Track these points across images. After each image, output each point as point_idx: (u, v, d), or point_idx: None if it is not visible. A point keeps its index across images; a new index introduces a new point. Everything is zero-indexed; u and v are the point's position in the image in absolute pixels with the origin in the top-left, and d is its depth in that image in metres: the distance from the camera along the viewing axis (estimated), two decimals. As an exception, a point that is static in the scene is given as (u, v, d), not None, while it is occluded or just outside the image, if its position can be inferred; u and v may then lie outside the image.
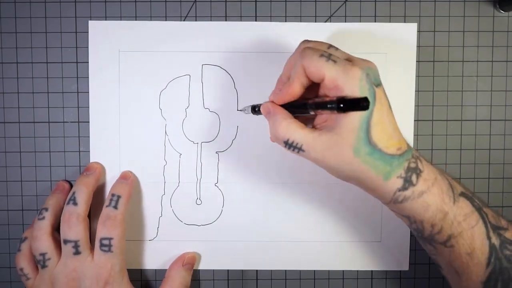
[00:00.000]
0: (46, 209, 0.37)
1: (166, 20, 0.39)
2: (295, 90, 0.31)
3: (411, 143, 0.40)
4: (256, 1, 0.40)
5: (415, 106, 0.40)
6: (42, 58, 0.40)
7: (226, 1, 0.40)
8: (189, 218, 0.40)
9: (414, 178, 0.30)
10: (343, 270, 0.41)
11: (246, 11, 0.40)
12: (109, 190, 0.38)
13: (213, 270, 0.41)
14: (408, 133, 0.40)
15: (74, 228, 0.35)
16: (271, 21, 0.40)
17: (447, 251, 0.31)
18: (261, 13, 0.40)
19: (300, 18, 0.39)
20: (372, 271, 0.41)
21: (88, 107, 0.39)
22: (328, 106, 0.27)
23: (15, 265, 0.37)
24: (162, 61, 0.39)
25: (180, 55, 0.39)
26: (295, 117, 0.31)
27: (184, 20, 0.40)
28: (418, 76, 0.40)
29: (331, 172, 0.31)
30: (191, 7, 0.40)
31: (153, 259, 0.40)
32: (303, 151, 0.30)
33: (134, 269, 0.40)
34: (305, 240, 0.40)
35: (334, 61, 0.29)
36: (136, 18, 0.39)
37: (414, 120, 0.40)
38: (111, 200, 0.37)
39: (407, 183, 0.30)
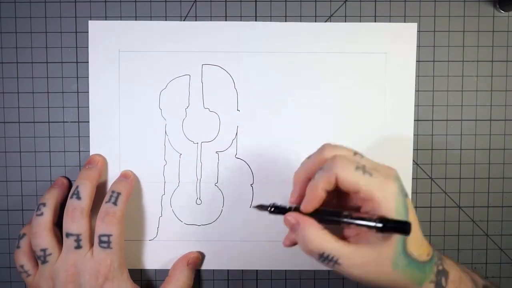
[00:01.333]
0: (44, 205, 0.36)
1: (166, 20, 0.39)
2: (321, 195, 0.29)
3: (411, 143, 0.40)
4: (256, 1, 0.40)
5: (415, 106, 0.40)
6: (42, 58, 0.40)
7: (226, 1, 0.40)
8: (189, 218, 0.40)
9: (443, 281, 0.31)
10: (343, 270, 0.41)
11: (246, 11, 0.40)
12: (109, 187, 0.38)
13: (213, 270, 0.41)
14: (408, 133, 0.40)
15: (77, 222, 0.35)
16: (271, 21, 0.40)
17: None
18: (261, 13, 0.40)
19: (300, 18, 0.39)
20: (372, 271, 0.41)
21: (88, 107, 0.40)
22: (367, 224, 0.27)
23: (15, 262, 0.36)
24: (162, 61, 0.39)
25: (180, 55, 0.39)
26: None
27: (184, 20, 0.40)
28: (418, 76, 0.40)
29: (365, 283, 0.30)
30: (191, 7, 0.40)
31: (153, 259, 0.40)
32: (339, 264, 0.29)
33: (134, 269, 0.40)
34: (305, 240, 0.40)
35: (370, 174, 0.28)
36: (136, 18, 0.39)
37: (414, 120, 0.40)
38: (111, 196, 0.37)
39: (438, 286, 0.30)
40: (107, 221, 0.35)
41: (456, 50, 0.40)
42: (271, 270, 0.41)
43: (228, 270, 0.41)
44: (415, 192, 0.41)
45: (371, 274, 0.29)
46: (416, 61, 0.40)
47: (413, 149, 0.40)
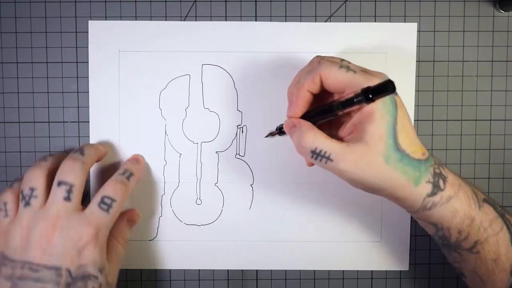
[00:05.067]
0: (51, 155, 0.35)
1: (166, 20, 0.39)
2: (306, 96, 0.31)
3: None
4: (256, 1, 0.40)
5: (415, 106, 0.40)
6: (42, 58, 0.40)
7: (226, 1, 0.40)
8: (189, 218, 0.40)
9: (441, 183, 0.30)
10: (343, 270, 0.41)
11: (246, 11, 0.40)
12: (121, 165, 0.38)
13: (213, 270, 0.41)
14: (408, 133, 0.40)
15: (75, 172, 0.33)
16: (271, 21, 0.40)
17: (472, 257, 0.32)
18: (261, 13, 0.40)
19: (300, 18, 0.39)
20: (372, 271, 0.41)
21: (88, 107, 0.39)
22: (355, 100, 0.28)
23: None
24: (162, 61, 0.39)
25: (180, 55, 0.39)
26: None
27: (184, 20, 0.40)
28: (418, 76, 0.40)
29: (359, 183, 0.30)
30: (191, 7, 0.40)
31: (153, 259, 0.40)
32: (331, 160, 0.30)
33: (134, 269, 0.40)
34: (305, 240, 0.40)
35: (354, 71, 0.29)
36: (136, 18, 0.39)
37: (414, 120, 0.40)
38: (125, 171, 0.36)
39: (436, 188, 0.30)
40: (117, 187, 0.34)
41: (456, 50, 0.40)
42: (271, 270, 0.41)
43: (228, 270, 0.41)
44: (415, 192, 0.41)
45: (363, 170, 0.29)
46: (416, 61, 0.40)
47: (413, 149, 0.40)
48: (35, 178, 0.33)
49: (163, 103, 0.40)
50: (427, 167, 0.30)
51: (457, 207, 0.31)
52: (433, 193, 0.30)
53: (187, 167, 0.40)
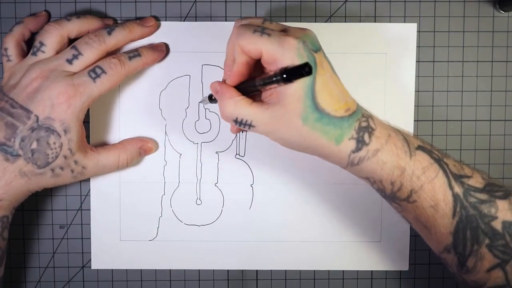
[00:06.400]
0: (79, 17, 0.36)
1: (166, 20, 0.39)
2: (241, 70, 0.31)
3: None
4: (256, 1, 0.40)
5: (415, 106, 0.40)
6: (42, 58, 0.39)
7: (226, 1, 0.40)
8: (189, 218, 0.40)
9: (366, 137, 0.30)
10: (343, 270, 0.41)
11: (246, 11, 0.40)
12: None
13: (213, 270, 0.41)
14: (408, 133, 0.40)
15: (90, 47, 0.34)
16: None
17: (411, 206, 0.31)
18: (261, 13, 0.40)
19: (300, 18, 0.39)
20: (372, 271, 0.41)
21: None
22: (274, 79, 0.28)
23: (2, 44, 0.36)
24: (162, 61, 0.39)
25: (180, 55, 0.39)
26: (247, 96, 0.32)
27: (184, 20, 0.40)
28: (418, 76, 0.40)
29: (284, 143, 0.32)
30: (191, 7, 0.40)
31: (153, 259, 0.40)
32: (253, 126, 0.31)
33: (134, 269, 0.40)
34: (305, 240, 0.40)
35: (268, 35, 0.29)
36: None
37: (414, 120, 0.40)
38: (132, 51, 0.36)
39: (360, 143, 0.30)
40: (113, 61, 0.34)
41: (456, 50, 0.40)
42: (271, 270, 0.41)
43: (228, 270, 0.41)
44: (415, 192, 0.41)
45: (281, 130, 0.30)
46: (416, 61, 0.40)
47: (413, 149, 0.40)
48: (48, 35, 0.35)
49: (163, 103, 0.40)
50: (350, 123, 0.30)
51: (385, 159, 0.30)
52: (357, 149, 0.30)
53: (187, 167, 0.40)
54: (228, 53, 0.33)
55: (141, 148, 0.38)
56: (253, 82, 0.30)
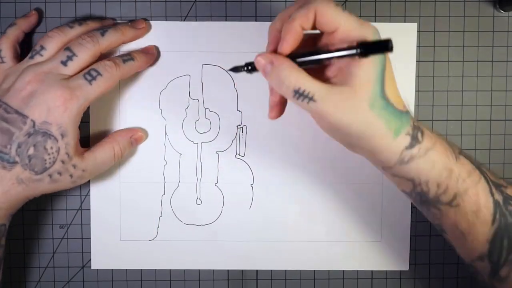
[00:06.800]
0: (81, 24, 0.36)
1: (166, 20, 0.39)
2: (298, 32, 0.29)
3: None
4: (256, 1, 0.40)
5: (415, 106, 0.40)
6: (42, 58, 0.39)
7: (226, 1, 0.40)
8: (189, 218, 0.40)
9: (419, 135, 0.30)
10: (343, 270, 0.41)
11: (246, 11, 0.40)
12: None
13: (213, 270, 0.41)
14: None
15: (84, 48, 0.34)
16: (271, 21, 0.39)
17: (452, 211, 0.31)
18: (261, 13, 0.40)
19: (300, 18, 0.39)
20: (372, 271, 0.41)
21: (88, 107, 0.39)
22: (347, 51, 0.27)
23: None
24: (162, 61, 0.39)
25: (180, 55, 0.39)
26: None
27: (184, 20, 0.40)
28: (418, 76, 0.40)
29: (339, 128, 0.29)
30: (191, 7, 0.40)
31: (153, 259, 0.40)
32: (314, 101, 0.28)
33: (134, 269, 0.40)
34: (305, 240, 0.40)
35: (350, 13, 0.28)
36: (136, 18, 0.39)
37: (414, 120, 0.40)
38: (126, 54, 0.36)
39: (414, 140, 0.30)
40: (108, 64, 0.34)
41: (456, 50, 0.40)
42: (271, 270, 0.41)
43: (228, 270, 0.41)
44: (415, 192, 0.41)
45: (345, 113, 0.28)
46: (416, 61, 0.40)
47: (413, 149, 0.40)
48: (51, 40, 0.35)
49: (163, 103, 0.40)
50: (408, 119, 0.30)
51: (435, 158, 0.30)
52: (411, 146, 0.30)
53: (187, 167, 0.40)
54: (281, 18, 0.30)
55: (132, 137, 0.38)
56: (317, 52, 0.28)
